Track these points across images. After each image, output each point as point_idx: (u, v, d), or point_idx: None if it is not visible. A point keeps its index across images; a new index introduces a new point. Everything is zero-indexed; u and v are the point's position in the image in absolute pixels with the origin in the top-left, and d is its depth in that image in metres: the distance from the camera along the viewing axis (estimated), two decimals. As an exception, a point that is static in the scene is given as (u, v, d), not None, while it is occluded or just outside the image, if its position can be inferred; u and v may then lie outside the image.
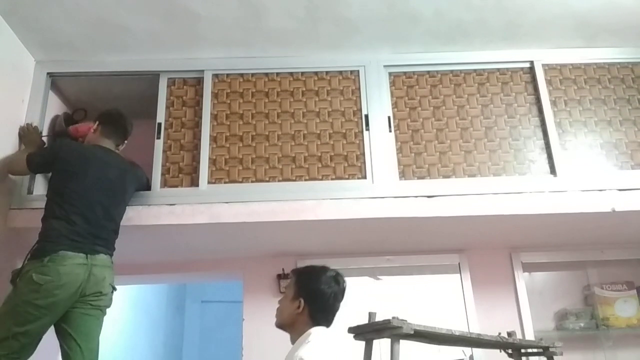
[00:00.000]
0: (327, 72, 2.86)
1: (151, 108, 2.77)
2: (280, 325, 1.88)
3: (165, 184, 2.64)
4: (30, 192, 2.61)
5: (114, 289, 2.24)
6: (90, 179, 2.25)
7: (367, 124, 2.74)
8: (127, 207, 2.43)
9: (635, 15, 2.69)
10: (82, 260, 2.09)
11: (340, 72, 2.86)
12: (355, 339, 1.96)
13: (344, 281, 1.91)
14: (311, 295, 1.83)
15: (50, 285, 2.00)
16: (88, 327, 2.12)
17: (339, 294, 1.88)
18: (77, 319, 2.10)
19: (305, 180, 2.65)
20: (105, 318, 2.23)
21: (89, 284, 2.09)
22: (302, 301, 1.82)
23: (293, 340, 1.82)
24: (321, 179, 2.65)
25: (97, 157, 2.34)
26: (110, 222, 2.27)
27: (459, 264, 3.11)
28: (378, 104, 2.78)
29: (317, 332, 1.78)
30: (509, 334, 2.13)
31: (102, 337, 2.21)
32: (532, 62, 2.89)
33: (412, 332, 1.72)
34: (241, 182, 2.64)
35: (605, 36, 2.84)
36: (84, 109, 2.85)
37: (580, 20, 2.72)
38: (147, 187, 2.58)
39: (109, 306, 2.23)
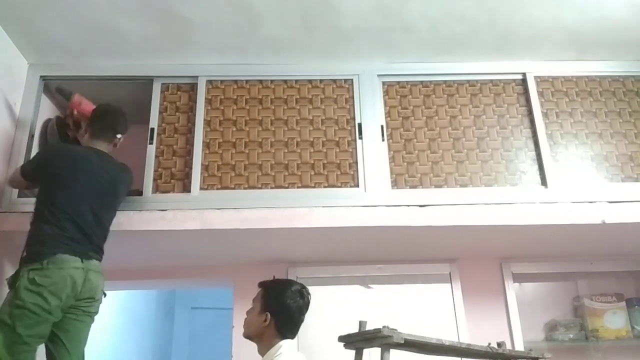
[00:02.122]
0: (321, 81, 2.87)
1: (144, 113, 2.76)
2: (248, 336, 2.01)
3: (157, 189, 2.63)
4: (20, 195, 2.58)
5: (105, 295, 2.23)
6: (81, 185, 2.22)
7: (360, 133, 2.75)
8: (118, 212, 2.41)
9: (627, 30, 2.73)
10: (79, 264, 2.08)
11: (334, 81, 2.87)
12: (346, 347, 1.95)
13: (308, 294, 2.02)
14: (277, 310, 1.94)
15: (54, 288, 1.99)
16: (78, 333, 2.12)
17: (304, 307, 1.99)
18: (68, 324, 2.08)
19: (298, 187, 2.65)
20: (94, 324, 2.22)
21: (85, 289, 2.09)
22: (269, 315, 1.93)
23: (261, 351, 1.94)
24: (314, 187, 2.65)
25: (88, 161, 2.30)
26: (101, 227, 2.25)
27: (449, 273, 3.12)
28: (371, 113, 2.79)
29: (286, 345, 1.90)
30: (499, 345, 2.13)
31: (90, 343, 2.20)
32: (524, 74, 2.92)
33: (402, 342, 1.72)
34: (233, 188, 2.64)
35: (597, 49, 2.87)
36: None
37: (572, 34, 2.75)
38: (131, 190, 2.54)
39: (97, 313, 2.21)
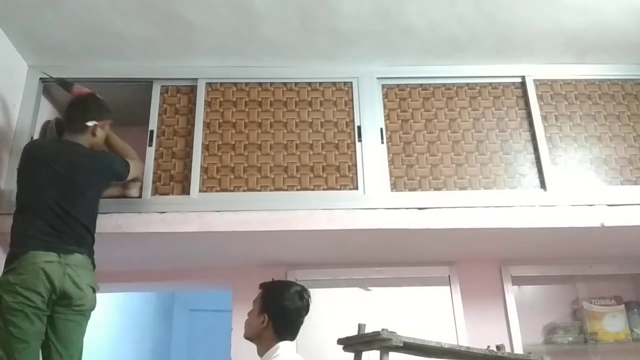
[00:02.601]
0: (320, 83, 2.87)
1: (144, 115, 2.76)
2: (248, 337, 2.01)
3: (156, 191, 2.62)
4: (19, 197, 2.58)
5: (94, 289, 2.14)
6: (41, 177, 2.17)
7: (359, 135, 2.75)
8: (117, 214, 2.39)
9: (626, 33, 2.73)
10: (55, 258, 2.03)
11: (334, 83, 2.87)
12: (345, 350, 1.95)
13: (308, 296, 2.01)
14: (275, 312, 1.94)
15: (27, 284, 1.96)
16: (69, 333, 2.06)
17: (303, 309, 1.99)
18: (58, 324, 2.04)
19: (297, 190, 2.65)
20: (92, 325, 2.18)
21: (66, 285, 2.02)
22: (266, 317, 1.94)
23: (260, 353, 1.94)
24: (313, 189, 2.65)
25: (47, 151, 2.24)
26: (73, 219, 2.15)
27: (448, 276, 3.12)
28: (371, 116, 2.79)
29: (284, 347, 1.90)
30: (498, 348, 2.13)
31: (88, 345, 2.17)
32: (523, 77, 2.92)
33: (401, 345, 1.72)
34: (233, 191, 2.64)
35: (596, 53, 2.87)
36: (76, 115, 2.83)
37: (571, 37, 2.75)
38: (123, 174, 2.41)
39: (92, 308, 2.15)
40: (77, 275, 2.07)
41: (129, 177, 2.47)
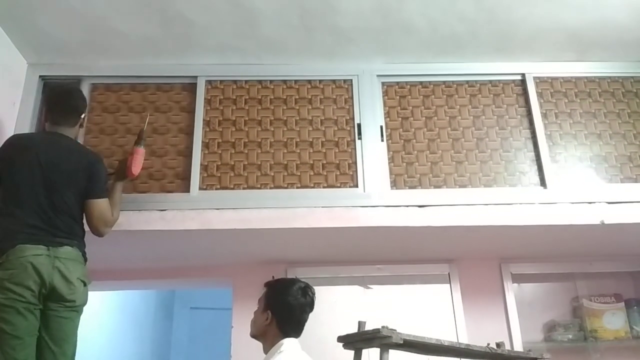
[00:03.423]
0: (320, 81, 2.87)
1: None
2: (254, 335, 2.02)
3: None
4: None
5: (85, 283, 2.08)
6: (27, 168, 2.11)
7: (359, 133, 2.75)
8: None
9: (626, 31, 2.73)
10: (44, 251, 2.00)
11: (334, 81, 2.87)
12: (345, 348, 1.95)
13: (312, 293, 2.01)
14: (278, 308, 1.96)
15: (15, 279, 1.93)
16: (62, 330, 2.02)
17: (306, 306, 1.99)
18: (50, 321, 2.00)
19: (297, 187, 2.65)
20: (92, 323, 2.17)
21: (55, 279, 1.98)
22: (270, 314, 1.95)
23: (265, 350, 1.96)
24: (313, 187, 2.65)
25: (35, 143, 2.18)
26: (61, 212, 2.10)
27: (448, 274, 3.12)
28: (371, 114, 2.79)
29: (288, 343, 1.91)
30: (498, 345, 2.13)
31: (89, 343, 2.16)
32: (523, 75, 2.92)
33: (401, 342, 1.72)
34: (233, 188, 2.64)
35: (596, 50, 2.87)
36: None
37: (571, 35, 2.75)
38: (95, 185, 2.19)
39: (84, 303, 2.11)
40: (67, 269, 2.03)
41: (98, 212, 2.20)
